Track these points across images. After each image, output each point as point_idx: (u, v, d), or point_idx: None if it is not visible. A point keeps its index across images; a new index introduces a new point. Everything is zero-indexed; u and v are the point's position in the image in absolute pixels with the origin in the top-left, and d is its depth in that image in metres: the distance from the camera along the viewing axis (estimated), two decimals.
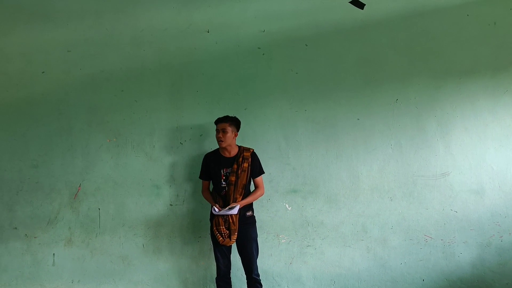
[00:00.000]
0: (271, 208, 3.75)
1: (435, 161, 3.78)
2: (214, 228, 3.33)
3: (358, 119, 3.82)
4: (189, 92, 3.83)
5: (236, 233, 3.31)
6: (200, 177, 3.54)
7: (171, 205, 3.77)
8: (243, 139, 3.70)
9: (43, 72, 3.86)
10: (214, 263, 3.65)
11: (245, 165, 3.41)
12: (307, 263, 3.76)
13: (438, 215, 3.76)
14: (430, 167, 3.78)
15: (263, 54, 3.87)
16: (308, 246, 3.77)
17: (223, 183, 3.40)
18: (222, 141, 3.38)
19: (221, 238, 3.31)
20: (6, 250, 3.76)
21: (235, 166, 3.39)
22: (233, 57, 3.86)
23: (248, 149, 3.49)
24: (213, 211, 3.31)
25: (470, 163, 3.77)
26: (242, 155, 3.44)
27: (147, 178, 3.78)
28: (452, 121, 3.80)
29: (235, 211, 3.30)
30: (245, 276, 3.50)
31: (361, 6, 3.87)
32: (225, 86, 3.84)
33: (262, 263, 3.59)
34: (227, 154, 3.46)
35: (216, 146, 3.57)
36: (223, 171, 3.41)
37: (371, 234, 3.76)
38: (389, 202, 3.77)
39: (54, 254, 3.76)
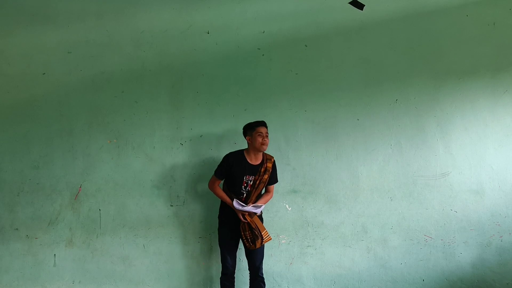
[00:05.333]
0: (271, 209, 3.75)
1: (435, 161, 3.79)
2: (242, 233, 3.30)
3: (358, 120, 3.83)
4: (189, 93, 3.84)
5: (260, 239, 3.28)
6: (216, 175, 3.40)
7: (171, 205, 3.78)
8: (243, 140, 3.71)
9: (44, 73, 3.87)
10: (215, 264, 3.68)
11: (265, 176, 3.38)
12: (308, 264, 3.77)
13: (438, 215, 3.77)
14: (430, 167, 3.79)
15: (263, 55, 3.88)
16: (308, 246, 3.77)
17: (243, 189, 3.37)
18: (265, 146, 3.35)
19: (248, 244, 3.30)
20: (7, 251, 3.77)
21: (257, 176, 3.36)
22: (233, 58, 3.87)
23: (270, 159, 3.45)
24: (237, 206, 3.27)
25: (470, 163, 3.78)
26: (265, 165, 3.39)
27: (147, 179, 3.78)
28: (452, 121, 3.81)
29: (259, 211, 3.32)
30: (245, 276, 3.50)
31: (360, 6, 3.88)
32: (225, 87, 3.85)
33: (263, 263, 3.58)
34: (253, 161, 3.39)
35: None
36: (245, 178, 3.36)
37: (371, 234, 3.77)
38: (389, 202, 3.78)
39: (55, 255, 3.77)
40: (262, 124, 3.41)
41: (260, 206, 3.33)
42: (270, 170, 3.41)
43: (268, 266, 3.70)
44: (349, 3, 3.89)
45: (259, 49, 3.88)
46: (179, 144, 3.81)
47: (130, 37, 3.89)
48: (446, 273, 3.75)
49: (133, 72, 3.86)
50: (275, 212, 3.76)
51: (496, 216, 3.75)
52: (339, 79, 3.86)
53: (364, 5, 3.88)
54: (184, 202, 3.78)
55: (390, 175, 3.79)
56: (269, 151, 3.69)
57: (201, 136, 3.81)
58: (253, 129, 3.37)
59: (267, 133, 3.40)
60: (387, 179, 3.79)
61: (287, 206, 3.78)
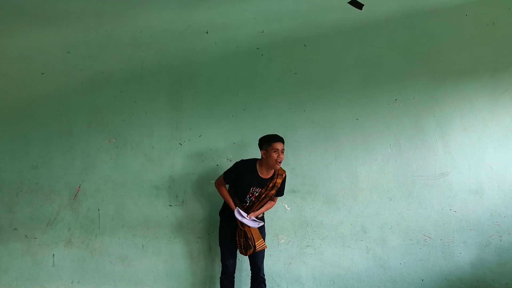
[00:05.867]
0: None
1: (434, 161, 3.79)
2: (237, 238, 3.30)
3: (357, 119, 3.83)
4: (188, 93, 3.84)
5: (252, 249, 3.26)
6: (224, 178, 3.35)
7: (170, 205, 3.78)
8: (242, 139, 3.71)
9: (43, 73, 3.87)
10: (214, 264, 3.67)
11: (272, 192, 3.35)
12: (307, 264, 3.76)
13: (437, 215, 3.76)
14: (429, 167, 3.78)
15: (262, 54, 3.88)
16: (307, 246, 3.77)
17: (247, 199, 3.34)
18: (280, 164, 3.25)
19: (240, 249, 3.31)
20: (6, 251, 3.76)
21: (264, 190, 3.33)
22: (232, 58, 3.87)
23: (282, 174, 3.38)
24: (238, 216, 3.25)
25: (469, 163, 3.78)
26: (275, 181, 3.33)
27: (146, 179, 3.78)
28: (451, 121, 3.81)
29: (257, 226, 3.30)
30: (244, 276, 3.50)
31: (359, 6, 3.88)
32: (224, 87, 3.84)
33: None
34: (264, 174, 3.33)
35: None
36: (252, 189, 3.32)
37: (371, 234, 3.76)
38: (388, 202, 3.77)
39: (54, 255, 3.77)
40: (279, 140, 3.26)
41: (259, 222, 3.31)
42: (279, 186, 3.37)
43: (267, 266, 3.69)
44: (348, 3, 3.89)
45: (258, 49, 3.88)
46: (178, 144, 3.81)
47: (129, 37, 3.89)
48: (445, 273, 3.75)
49: (132, 72, 3.86)
50: (274, 212, 3.74)
51: (495, 216, 3.75)
52: (338, 79, 3.86)
53: (363, 5, 3.88)
54: (183, 202, 3.78)
55: (389, 175, 3.79)
56: None
57: (200, 136, 3.81)
58: (269, 144, 3.23)
59: (283, 149, 3.27)
60: (386, 179, 3.79)
61: (286, 206, 3.78)
